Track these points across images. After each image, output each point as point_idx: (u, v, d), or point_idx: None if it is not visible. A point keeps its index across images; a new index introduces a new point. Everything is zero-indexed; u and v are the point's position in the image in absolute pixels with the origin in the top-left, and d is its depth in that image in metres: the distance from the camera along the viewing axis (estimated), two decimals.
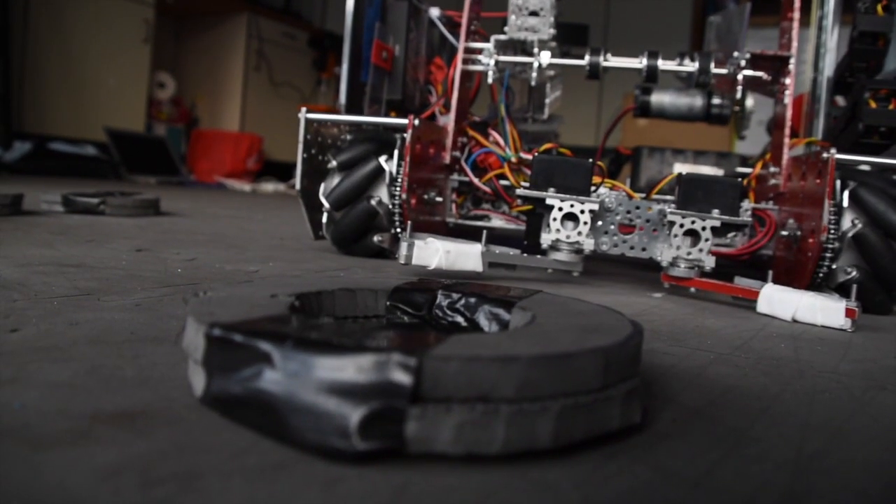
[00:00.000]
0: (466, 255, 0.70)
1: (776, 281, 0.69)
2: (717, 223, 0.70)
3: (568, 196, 0.72)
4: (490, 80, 0.95)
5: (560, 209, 0.73)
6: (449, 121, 0.92)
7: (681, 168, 1.07)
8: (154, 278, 0.58)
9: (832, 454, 0.28)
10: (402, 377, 0.23)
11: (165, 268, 0.64)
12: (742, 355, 0.46)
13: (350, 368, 0.24)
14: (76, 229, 0.89)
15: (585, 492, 0.23)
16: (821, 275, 0.72)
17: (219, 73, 3.56)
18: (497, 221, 0.93)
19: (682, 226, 0.71)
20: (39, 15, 2.59)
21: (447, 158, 0.91)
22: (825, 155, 0.71)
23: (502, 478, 0.23)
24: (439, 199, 0.89)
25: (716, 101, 1.03)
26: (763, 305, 0.66)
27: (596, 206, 0.72)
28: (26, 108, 2.57)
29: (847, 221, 0.72)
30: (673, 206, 0.72)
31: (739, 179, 0.73)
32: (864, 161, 0.75)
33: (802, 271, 0.73)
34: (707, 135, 1.98)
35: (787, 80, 0.88)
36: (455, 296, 0.39)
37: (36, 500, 0.20)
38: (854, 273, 0.70)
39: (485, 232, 0.73)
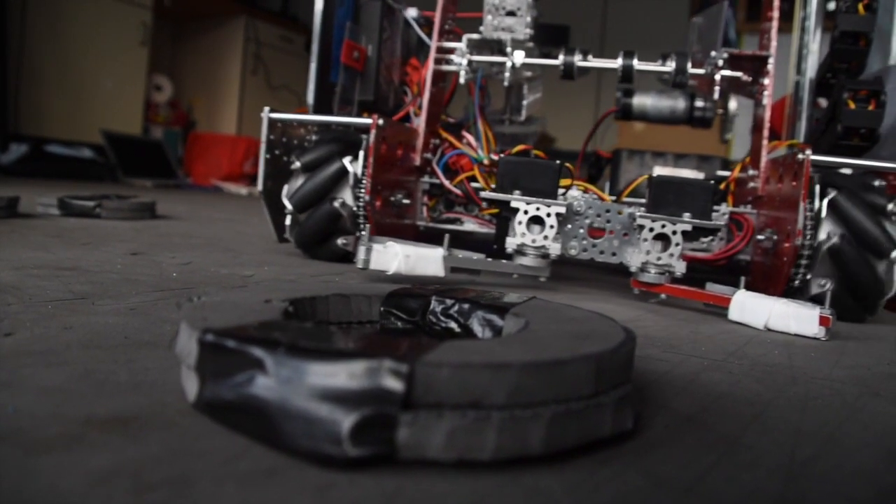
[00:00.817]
0: (427, 260, 0.68)
1: (753, 287, 0.67)
2: (689, 227, 0.68)
3: (534, 199, 0.71)
4: (462, 80, 0.93)
5: (525, 212, 0.71)
6: (420, 122, 0.90)
7: (661, 171, 1.06)
8: (149, 282, 0.58)
9: (824, 461, 0.28)
10: (394, 383, 0.23)
11: (160, 272, 0.64)
12: (736, 361, 0.47)
13: (342, 375, 0.24)
14: (72, 232, 0.89)
15: (577, 498, 0.23)
16: (797, 280, 0.71)
17: (216, 75, 3.56)
18: (470, 225, 0.91)
19: (651, 230, 0.69)
20: (37, 17, 2.59)
21: (417, 160, 0.89)
22: (800, 156, 0.69)
23: (494, 484, 0.23)
24: (406, 201, 0.87)
25: (699, 103, 1.00)
26: (735, 313, 0.64)
27: (563, 209, 0.71)
28: (23, 110, 2.57)
29: (824, 232, 0.70)
30: (643, 209, 0.71)
31: (712, 182, 0.71)
32: (842, 163, 0.73)
33: (778, 276, 0.72)
34: (704, 139, 1.99)
35: (766, 81, 0.86)
36: (449, 302, 0.39)
37: None
38: (828, 285, 0.69)
39: (447, 236, 0.71)
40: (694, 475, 0.26)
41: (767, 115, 0.84)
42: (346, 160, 0.82)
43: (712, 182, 0.71)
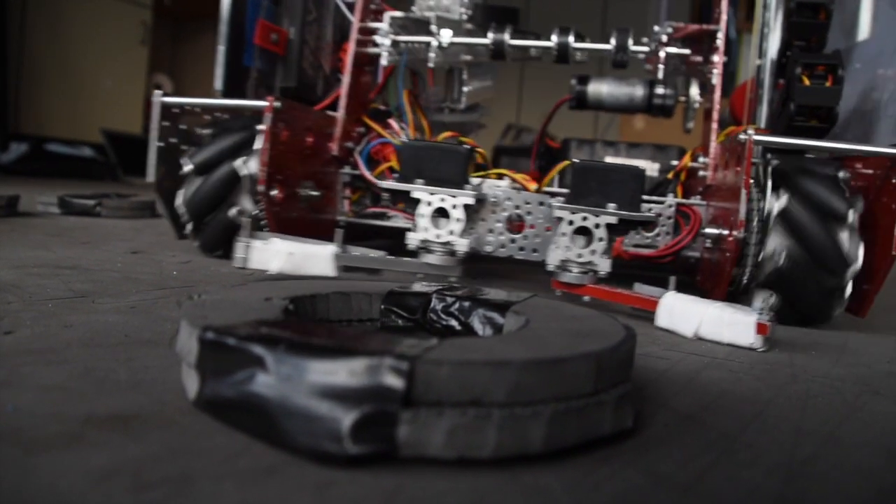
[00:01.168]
0: (315, 258, 0.61)
1: (702, 286, 0.60)
2: (613, 219, 0.61)
3: (438, 188, 0.64)
4: (384, 63, 0.86)
5: (429, 204, 0.64)
6: (339, 108, 0.82)
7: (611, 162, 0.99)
8: (149, 281, 0.58)
9: (824, 459, 0.28)
10: (395, 381, 0.23)
11: (160, 270, 0.64)
12: (736, 360, 0.46)
13: (342, 372, 0.24)
14: (72, 231, 0.89)
15: (577, 496, 0.23)
16: (745, 277, 0.63)
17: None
18: (399, 220, 0.81)
19: (571, 223, 0.62)
20: (37, 16, 2.59)
21: (335, 149, 0.80)
22: (742, 137, 0.60)
23: (494, 482, 0.23)
24: (315, 193, 0.77)
25: (658, 90, 0.93)
26: (663, 318, 0.56)
27: (471, 200, 0.64)
28: (23, 110, 2.57)
29: (772, 203, 0.62)
30: (562, 199, 0.63)
31: (642, 168, 0.64)
32: (788, 144, 0.65)
33: (720, 273, 0.63)
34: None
35: (716, 59, 0.77)
36: (449, 299, 0.39)
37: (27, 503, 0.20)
38: (773, 300, 0.61)
39: (339, 231, 0.65)
40: (693, 474, 0.26)
41: (717, 95, 0.77)
42: (239, 161, 0.73)
43: (642, 168, 0.64)
